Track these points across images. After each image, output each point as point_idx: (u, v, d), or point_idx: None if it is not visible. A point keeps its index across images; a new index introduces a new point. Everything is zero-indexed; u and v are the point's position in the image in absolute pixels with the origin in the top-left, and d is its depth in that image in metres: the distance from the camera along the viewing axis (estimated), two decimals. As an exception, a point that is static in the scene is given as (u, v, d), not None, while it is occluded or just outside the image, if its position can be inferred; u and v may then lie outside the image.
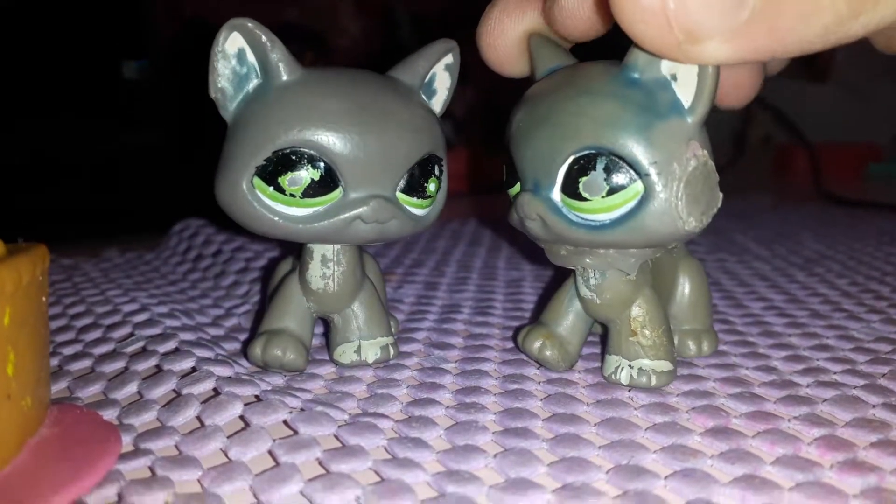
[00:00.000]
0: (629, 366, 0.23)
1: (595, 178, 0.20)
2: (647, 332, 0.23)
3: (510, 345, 0.27)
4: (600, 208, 0.20)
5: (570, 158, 0.20)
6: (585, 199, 0.20)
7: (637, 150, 0.19)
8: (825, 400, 0.21)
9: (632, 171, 0.19)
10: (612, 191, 0.20)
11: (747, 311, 0.31)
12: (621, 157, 0.19)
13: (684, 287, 0.26)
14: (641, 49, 0.19)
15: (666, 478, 0.17)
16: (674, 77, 0.20)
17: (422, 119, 0.23)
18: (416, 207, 0.24)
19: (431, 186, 0.24)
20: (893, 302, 0.32)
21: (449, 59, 0.26)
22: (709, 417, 0.20)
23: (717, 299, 0.33)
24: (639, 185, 0.20)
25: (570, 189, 0.20)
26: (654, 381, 0.22)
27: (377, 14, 1.18)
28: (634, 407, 0.21)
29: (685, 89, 0.19)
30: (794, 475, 0.17)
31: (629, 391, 0.23)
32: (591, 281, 0.23)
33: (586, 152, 0.20)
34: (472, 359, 0.25)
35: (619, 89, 0.20)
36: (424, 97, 0.25)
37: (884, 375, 0.24)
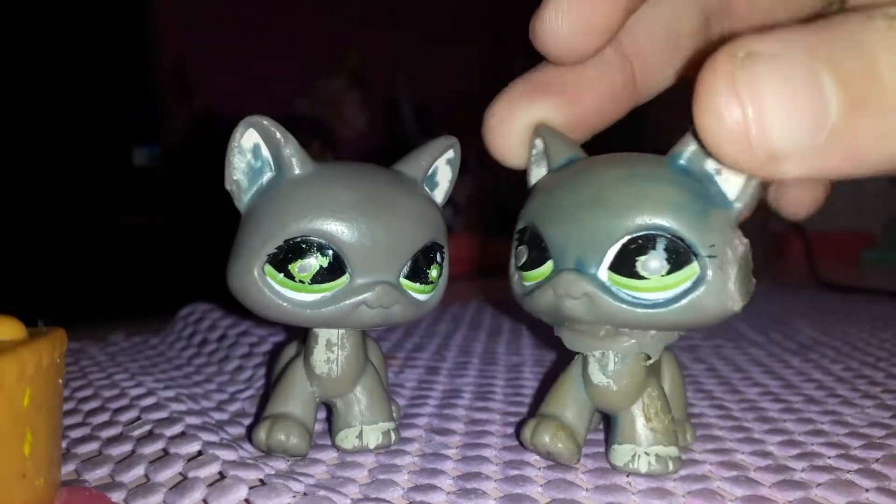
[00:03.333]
0: (645, 453, 0.23)
1: (656, 257, 0.21)
2: (661, 418, 0.23)
3: (511, 430, 0.27)
4: (657, 287, 0.21)
5: (626, 238, 0.21)
6: (642, 278, 0.21)
7: (696, 232, 0.20)
8: (819, 484, 0.22)
9: (690, 253, 0.21)
10: (672, 270, 0.21)
11: (743, 397, 0.32)
12: (681, 239, 0.20)
13: (665, 379, 0.26)
14: (690, 142, 0.21)
15: (663, 562, 0.17)
16: (718, 172, 0.21)
17: (424, 209, 0.25)
18: (418, 293, 0.24)
19: (433, 272, 0.25)
20: (887, 387, 0.33)
21: (450, 154, 0.27)
22: (705, 501, 0.21)
23: (713, 385, 0.34)
24: (695, 266, 0.21)
25: (624, 268, 0.21)
26: (671, 467, 0.23)
27: (382, 106, 1.22)
28: (633, 492, 0.22)
29: (730, 185, 0.21)
30: (789, 560, 0.17)
31: (627, 476, 0.23)
32: (611, 367, 0.23)
33: (645, 232, 0.21)
34: (472, 444, 0.26)
35: (674, 175, 0.21)
36: (427, 189, 0.26)
37: (877, 460, 0.24)
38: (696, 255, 0.21)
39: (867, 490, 0.21)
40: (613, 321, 0.22)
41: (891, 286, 0.62)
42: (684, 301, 0.21)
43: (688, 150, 0.22)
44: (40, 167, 0.71)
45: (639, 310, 0.21)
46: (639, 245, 0.21)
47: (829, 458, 0.24)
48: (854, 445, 0.25)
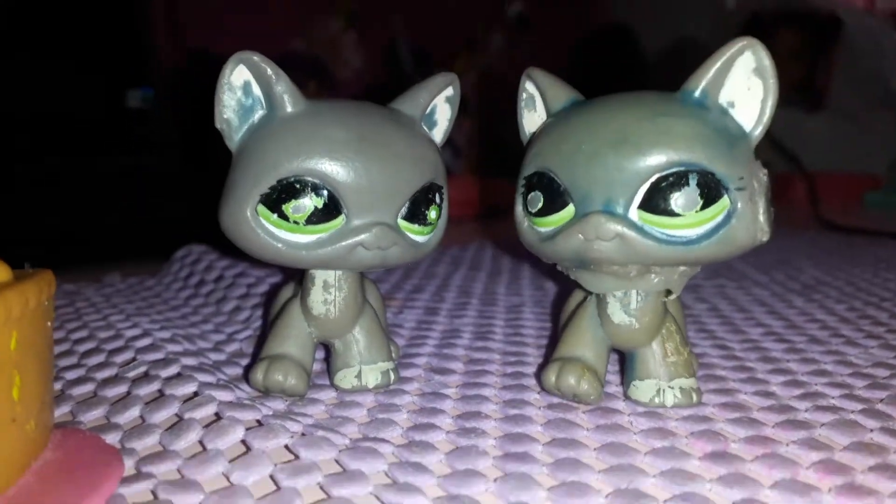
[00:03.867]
0: (669, 387, 0.23)
1: (689, 193, 0.20)
2: (680, 351, 0.23)
3: (510, 370, 0.27)
4: (692, 223, 0.21)
5: (656, 176, 0.20)
6: (677, 215, 0.20)
7: (725, 166, 0.20)
8: (823, 424, 0.22)
9: (721, 186, 0.20)
10: (706, 205, 0.20)
11: (746, 337, 0.31)
12: (711, 173, 0.20)
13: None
14: (702, 77, 0.21)
15: (665, 501, 0.17)
16: (731, 104, 0.21)
17: (423, 149, 0.24)
18: (417, 234, 0.24)
19: (432, 214, 0.24)
20: (891, 327, 0.33)
21: (449, 91, 0.26)
22: (707, 442, 0.21)
23: (716, 325, 0.33)
24: (726, 200, 0.21)
25: (657, 206, 0.21)
26: (695, 398, 0.23)
27: (379, 46, 1.19)
28: (634, 432, 0.21)
29: (745, 115, 0.21)
30: (792, 499, 0.17)
31: (627, 416, 0.23)
32: (633, 305, 0.23)
33: (676, 169, 0.20)
34: (472, 384, 0.26)
35: (695, 111, 0.21)
36: (426, 128, 0.26)
37: (881, 400, 0.24)
38: (726, 188, 0.20)
39: (871, 430, 0.21)
40: (646, 260, 0.21)
41: (894, 228, 0.61)
42: (717, 235, 0.21)
43: (701, 85, 0.21)
44: (32, 112, 0.70)
45: (672, 247, 0.21)
46: (670, 182, 0.20)
47: (833, 398, 0.24)
48: (858, 385, 0.25)
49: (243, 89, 0.23)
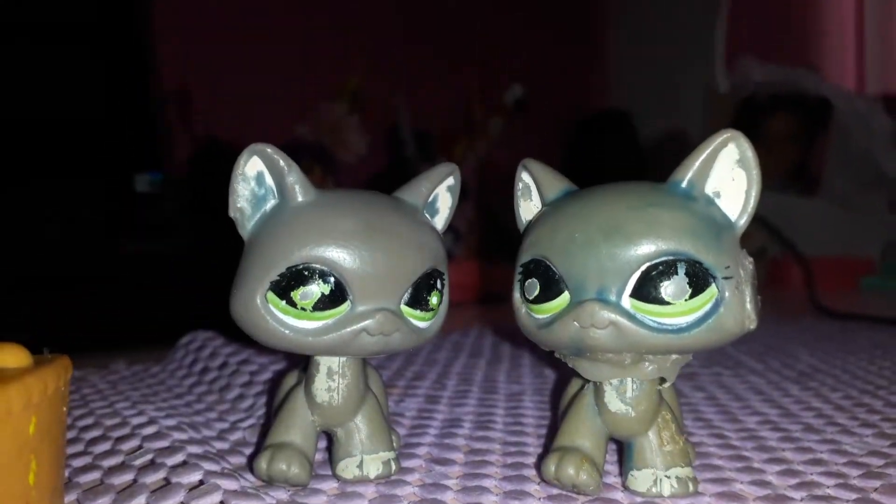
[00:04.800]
0: (665, 476, 0.23)
1: (678, 282, 0.21)
2: (676, 440, 0.24)
3: (511, 460, 0.27)
4: (681, 311, 0.21)
5: (646, 265, 0.21)
6: (667, 303, 0.21)
7: (713, 255, 0.21)
8: (818, 515, 0.22)
9: (708, 275, 0.21)
10: (694, 294, 0.21)
11: (742, 426, 0.32)
12: (699, 262, 0.21)
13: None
14: (688, 168, 0.22)
15: None
16: (717, 194, 0.23)
17: (425, 237, 0.25)
18: (419, 320, 0.25)
19: (434, 299, 0.25)
20: (886, 416, 0.33)
21: (450, 181, 0.27)
22: (705, 532, 0.21)
23: (712, 413, 0.34)
24: (714, 288, 0.21)
25: (648, 294, 0.21)
26: (691, 488, 0.23)
27: (382, 130, 1.23)
28: (632, 521, 0.22)
29: (731, 204, 0.23)
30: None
31: (627, 505, 0.23)
32: (629, 393, 0.23)
33: (665, 258, 0.21)
34: (473, 474, 0.26)
35: (682, 202, 0.22)
36: (428, 216, 0.27)
37: (876, 489, 0.24)
38: (713, 277, 0.21)
39: (866, 520, 0.22)
40: (639, 348, 0.22)
41: (890, 313, 0.62)
42: (707, 323, 0.21)
43: (687, 176, 0.23)
44: (42, 196, 0.71)
45: (664, 335, 0.22)
46: (660, 271, 0.21)
47: (828, 487, 0.24)
48: (853, 475, 0.25)
49: (256, 179, 0.24)
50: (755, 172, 0.22)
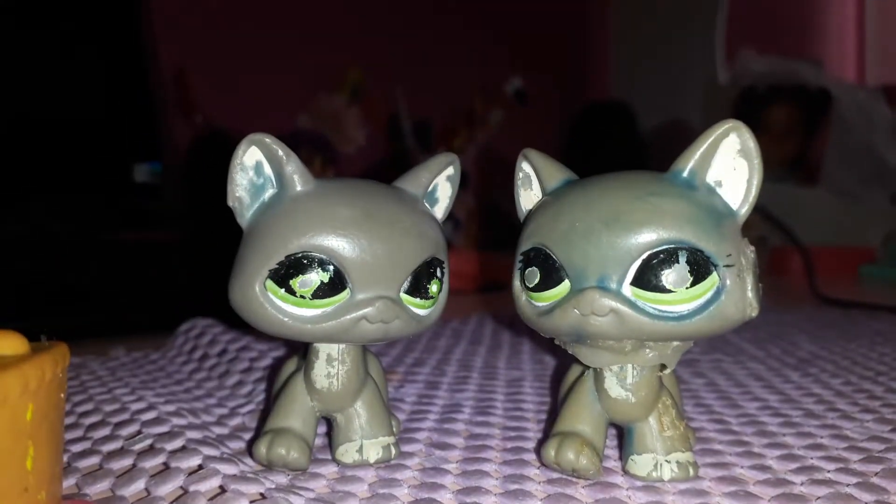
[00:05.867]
0: (666, 461, 0.23)
1: (680, 270, 0.21)
2: (676, 425, 0.24)
3: (511, 444, 0.27)
4: (683, 299, 0.21)
5: (647, 253, 0.21)
6: (668, 291, 0.21)
7: (714, 243, 0.21)
8: (819, 498, 0.22)
9: (710, 263, 0.21)
10: (696, 282, 0.21)
11: (742, 411, 0.32)
12: (700, 251, 0.21)
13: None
14: (690, 157, 0.22)
15: (663, 575, 0.17)
16: (718, 184, 0.23)
17: (425, 225, 0.25)
18: (418, 308, 0.25)
19: (434, 287, 0.25)
20: (886, 402, 0.33)
21: (450, 170, 0.27)
22: (704, 516, 0.21)
23: (713, 399, 0.34)
24: (715, 276, 0.21)
25: (649, 282, 0.21)
26: (691, 472, 0.23)
27: (382, 121, 1.23)
28: (632, 506, 0.22)
29: (732, 194, 0.23)
30: (788, 573, 0.17)
31: (626, 490, 0.23)
32: (629, 379, 0.23)
33: (666, 247, 0.21)
34: (472, 459, 0.26)
35: (684, 191, 0.22)
36: (427, 205, 0.27)
37: (876, 474, 0.24)
38: (715, 265, 0.21)
39: (866, 504, 0.22)
40: (640, 335, 0.22)
41: (890, 301, 0.62)
42: (708, 311, 0.21)
43: (689, 166, 0.22)
44: (41, 184, 0.71)
45: (665, 322, 0.22)
46: (661, 259, 0.21)
47: (829, 471, 0.24)
48: (853, 459, 0.25)
49: (255, 169, 0.24)
50: (757, 162, 0.22)
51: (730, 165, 0.23)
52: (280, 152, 0.24)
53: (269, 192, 0.24)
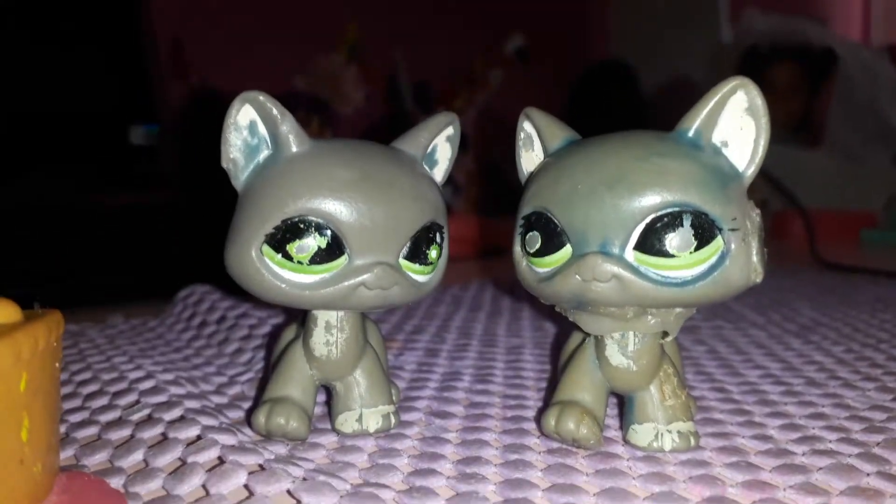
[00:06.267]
0: (667, 431, 0.23)
1: (683, 234, 0.21)
2: (678, 394, 0.23)
3: (511, 413, 0.27)
4: (686, 264, 0.21)
5: (651, 216, 0.21)
6: (671, 256, 0.21)
7: (720, 206, 0.21)
8: (820, 468, 0.22)
9: (714, 227, 0.21)
10: (700, 246, 0.21)
11: (744, 380, 0.32)
12: (705, 214, 0.21)
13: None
14: (695, 116, 0.22)
15: (664, 548, 0.17)
16: (724, 144, 0.22)
17: (424, 188, 0.24)
18: (418, 274, 0.24)
19: (433, 253, 0.25)
20: (888, 369, 0.33)
21: (449, 130, 0.27)
22: (705, 486, 0.21)
23: (714, 367, 0.34)
24: (720, 241, 0.21)
25: (652, 246, 0.21)
26: (692, 443, 0.23)
27: (380, 82, 1.22)
28: (633, 476, 0.22)
29: (738, 154, 0.22)
30: (790, 546, 0.17)
31: (627, 460, 0.23)
32: (630, 347, 0.23)
33: (671, 209, 0.21)
34: (472, 428, 0.26)
35: (689, 152, 0.21)
36: (426, 167, 0.26)
37: (878, 444, 0.24)
38: (720, 229, 0.21)
39: (868, 474, 0.21)
40: (643, 301, 0.22)
41: (891, 266, 0.62)
42: (712, 276, 0.21)
43: (694, 125, 0.22)
44: (37, 150, 0.70)
45: (668, 288, 0.21)
46: (665, 223, 0.21)
47: (830, 441, 0.24)
48: (855, 429, 0.25)
49: (249, 129, 0.24)
50: (764, 121, 0.22)
51: (736, 125, 0.22)
52: (275, 111, 0.23)
53: (264, 154, 0.24)
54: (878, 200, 0.98)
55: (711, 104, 0.22)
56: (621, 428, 0.25)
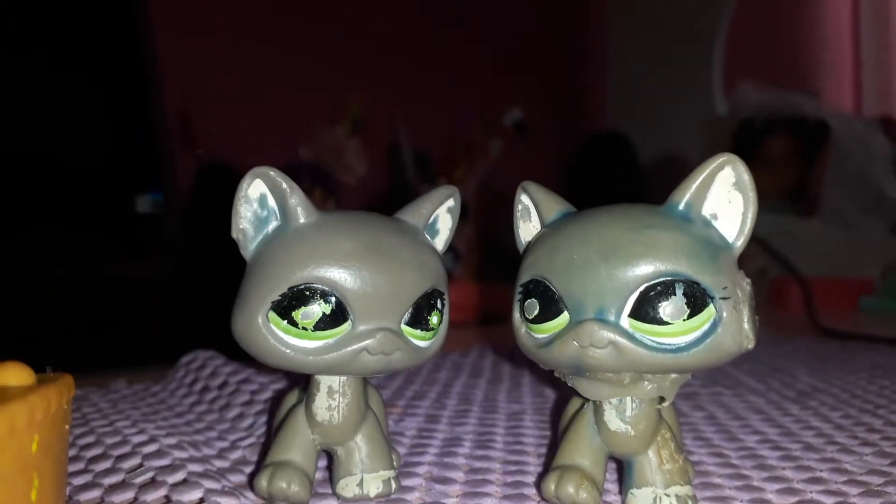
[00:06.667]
0: (665, 495, 0.23)
1: (676, 302, 0.22)
2: (675, 458, 0.24)
3: (511, 479, 0.27)
4: (680, 331, 0.22)
5: (644, 286, 0.22)
6: (665, 323, 0.22)
7: (710, 276, 0.22)
8: (818, 533, 0.22)
9: (706, 295, 0.22)
10: (693, 314, 0.22)
11: (742, 445, 0.32)
12: (697, 283, 0.22)
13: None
14: (686, 190, 0.23)
15: None
16: (714, 216, 0.23)
17: (425, 257, 0.25)
18: (419, 339, 0.25)
19: (434, 319, 0.25)
20: (886, 434, 0.33)
21: (450, 202, 0.28)
22: (704, 550, 0.21)
23: (712, 433, 0.34)
24: (712, 308, 0.22)
25: (646, 314, 0.22)
26: None
27: (382, 152, 1.24)
28: (632, 540, 0.22)
29: (728, 226, 0.23)
30: None
31: (626, 524, 0.23)
32: (628, 412, 0.24)
33: (663, 279, 0.22)
34: (472, 493, 0.26)
35: (680, 224, 0.23)
36: (428, 237, 0.27)
37: (875, 508, 0.24)
38: (711, 297, 0.22)
39: (865, 538, 0.22)
40: (638, 367, 0.22)
41: (889, 333, 0.62)
42: (705, 343, 0.22)
43: (685, 198, 0.23)
44: (45, 216, 0.72)
45: (663, 354, 0.22)
46: (658, 291, 0.22)
47: (828, 506, 0.24)
48: (853, 493, 0.25)
49: (259, 201, 0.25)
50: (751, 195, 0.23)
51: (725, 198, 0.23)
52: (284, 185, 0.24)
53: (273, 225, 0.25)
54: (875, 268, 0.99)
55: (700, 179, 0.23)
56: (620, 492, 0.26)
